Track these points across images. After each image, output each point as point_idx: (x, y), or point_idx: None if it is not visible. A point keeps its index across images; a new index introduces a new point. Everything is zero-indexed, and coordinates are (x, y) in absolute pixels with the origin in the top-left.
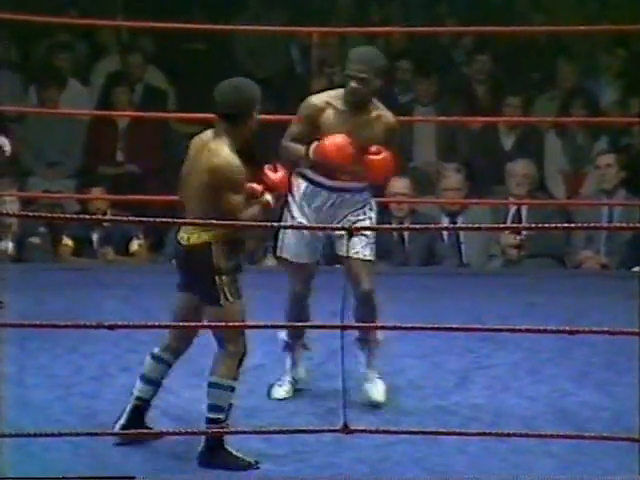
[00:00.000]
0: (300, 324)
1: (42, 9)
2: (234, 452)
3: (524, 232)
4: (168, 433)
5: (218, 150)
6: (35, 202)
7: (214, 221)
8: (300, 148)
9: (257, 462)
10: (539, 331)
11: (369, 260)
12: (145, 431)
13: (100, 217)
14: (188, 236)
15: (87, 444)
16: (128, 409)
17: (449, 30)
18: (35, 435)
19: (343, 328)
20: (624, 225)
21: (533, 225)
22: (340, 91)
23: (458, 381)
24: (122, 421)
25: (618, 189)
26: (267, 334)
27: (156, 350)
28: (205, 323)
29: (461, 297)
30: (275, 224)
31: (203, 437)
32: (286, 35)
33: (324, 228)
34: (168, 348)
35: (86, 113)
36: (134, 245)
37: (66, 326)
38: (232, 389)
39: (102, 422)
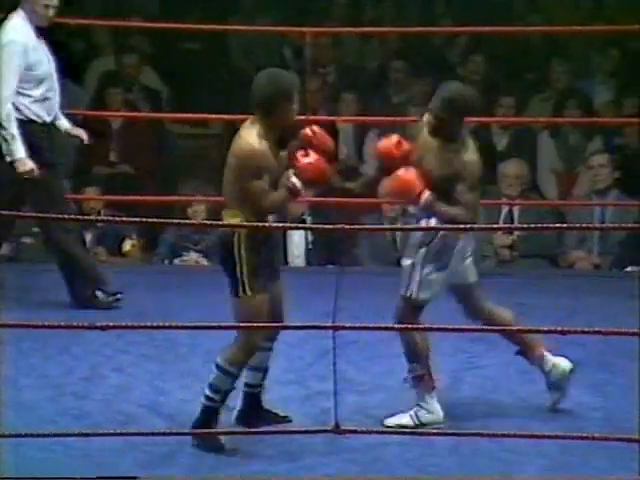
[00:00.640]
0: (296, 325)
1: None
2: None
3: (517, 232)
4: (163, 433)
5: (246, 136)
6: None
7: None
8: None
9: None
10: (530, 331)
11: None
12: (137, 431)
13: (94, 217)
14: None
15: (80, 445)
16: (241, 396)
17: (443, 30)
18: (32, 436)
19: (335, 329)
20: (617, 225)
21: (526, 225)
22: None
23: (450, 381)
24: (238, 407)
25: (611, 189)
26: None
27: None
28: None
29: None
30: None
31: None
32: (280, 35)
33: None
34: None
35: (79, 113)
36: (127, 245)
37: (58, 327)
38: (234, 376)
39: (94, 423)
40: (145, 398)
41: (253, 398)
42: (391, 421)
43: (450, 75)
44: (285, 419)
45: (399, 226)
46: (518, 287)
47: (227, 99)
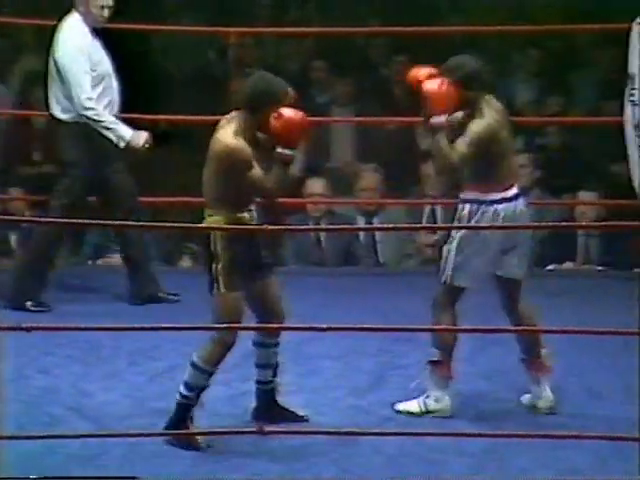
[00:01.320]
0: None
1: None
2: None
3: (439, 231)
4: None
5: (220, 137)
6: None
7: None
8: None
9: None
10: (455, 330)
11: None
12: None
13: (18, 218)
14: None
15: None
16: (254, 393)
17: (365, 31)
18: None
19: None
20: (538, 224)
21: (449, 225)
22: None
23: (373, 381)
24: (253, 404)
25: (532, 189)
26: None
27: (255, 337)
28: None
29: (377, 296)
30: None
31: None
32: (204, 35)
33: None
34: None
35: (4, 112)
36: None
37: None
38: (208, 373)
39: (19, 425)
40: (70, 400)
41: (267, 395)
42: (400, 406)
43: (374, 75)
44: (302, 418)
45: (323, 226)
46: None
47: (150, 99)
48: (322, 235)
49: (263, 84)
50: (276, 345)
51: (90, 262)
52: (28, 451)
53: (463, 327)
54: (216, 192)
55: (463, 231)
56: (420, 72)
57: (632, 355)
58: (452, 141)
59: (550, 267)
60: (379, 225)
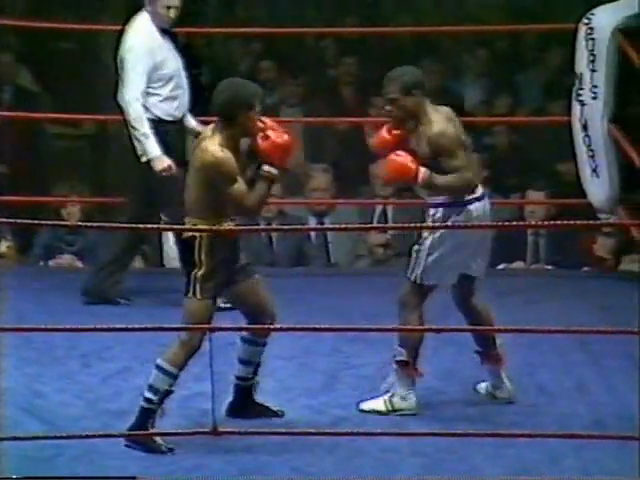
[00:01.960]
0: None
1: None
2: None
3: (391, 231)
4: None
5: (207, 147)
6: None
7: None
8: None
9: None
10: (407, 329)
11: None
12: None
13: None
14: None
15: None
16: (232, 389)
17: (314, 31)
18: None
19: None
20: (489, 223)
21: (400, 225)
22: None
23: (327, 381)
24: (229, 400)
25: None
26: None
27: (244, 334)
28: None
29: (329, 297)
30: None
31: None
32: None
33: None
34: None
35: None
36: (3, 246)
37: None
38: (173, 376)
39: None
40: (23, 401)
41: (244, 391)
42: (366, 405)
43: (323, 76)
44: (277, 414)
45: (274, 227)
46: (393, 286)
47: (98, 99)
48: (274, 236)
49: (232, 92)
50: (264, 345)
51: (42, 263)
52: None
53: (423, 327)
54: (199, 201)
55: (437, 232)
56: (385, 138)
57: (582, 352)
58: (413, 151)
59: (500, 266)
60: (330, 225)
